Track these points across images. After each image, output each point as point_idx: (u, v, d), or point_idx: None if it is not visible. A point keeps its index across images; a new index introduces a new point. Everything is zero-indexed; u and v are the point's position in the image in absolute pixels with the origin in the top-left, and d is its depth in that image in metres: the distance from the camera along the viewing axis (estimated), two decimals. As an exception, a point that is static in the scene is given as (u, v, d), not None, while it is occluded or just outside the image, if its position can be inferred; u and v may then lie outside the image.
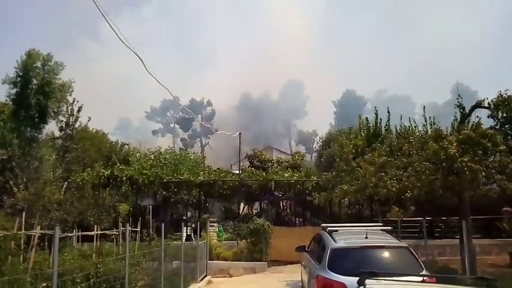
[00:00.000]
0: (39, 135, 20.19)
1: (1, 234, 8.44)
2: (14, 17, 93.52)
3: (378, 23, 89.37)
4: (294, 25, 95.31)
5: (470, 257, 10.59)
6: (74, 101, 22.01)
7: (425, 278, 5.72)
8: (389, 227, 9.09)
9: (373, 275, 3.99)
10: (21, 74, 19.12)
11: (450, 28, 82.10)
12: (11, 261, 8.00)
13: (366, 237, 7.46)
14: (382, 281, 3.99)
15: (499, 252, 16.31)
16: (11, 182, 17.24)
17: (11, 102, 19.93)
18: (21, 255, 8.77)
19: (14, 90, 19.34)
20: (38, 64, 19.43)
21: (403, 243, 7.90)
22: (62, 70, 19.87)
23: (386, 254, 7.20)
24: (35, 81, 19.33)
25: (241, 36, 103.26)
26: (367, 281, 3.71)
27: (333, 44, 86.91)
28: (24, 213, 11.03)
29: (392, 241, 7.81)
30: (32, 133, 19.64)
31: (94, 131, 28.09)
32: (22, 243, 9.20)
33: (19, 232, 9.19)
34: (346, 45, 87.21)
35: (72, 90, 20.79)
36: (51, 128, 22.45)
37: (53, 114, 20.43)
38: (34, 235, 9.20)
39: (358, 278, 3.79)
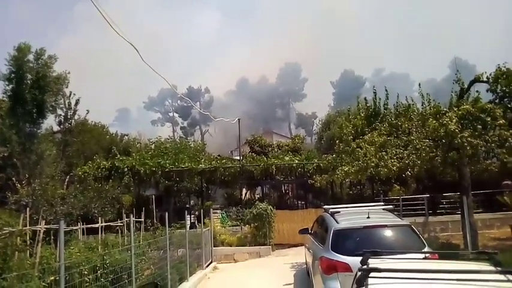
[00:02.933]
0: (39, 130, 20.18)
1: (7, 231, 8.50)
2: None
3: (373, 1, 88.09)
4: (289, 7, 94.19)
5: (471, 232, 10.70)
6: (70, 94, 21.99)
7: (427, 254, 5.78)
8: (391, 206, 9.14)
9: (376, 254, 4.02)
10: (14, 69, 18.98)
11: (447, 2, 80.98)
12: (18, 256, 8.07)
13: (368, 217, 7.51)
14: (385, 259, 4.02)
15: (500, 226, 16.46)
16: (13, 179, 17.30)
17: (7, 99, 19.86)
18: (28, 251, 8.85)
19: (9, 87, 19.24)
20: (31, 58, 19.27)
21: (405, 222, 7.97)
22: (55, 62, 19.71)
23: (388, 232, 7.26)
24: (29, 76, 19.21)
25: (235, 20, 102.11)
26: (370, 260, 3.74)
27: (328, 25, 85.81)
28: (28, 208, 11.11)
29: (394, 220, 7.86)
30: (31, 128, 19.63)
31: (93, 123, 28.09)
32: (28, 238, 9.27)
33: (24, 228, 9.26)
34: (342, 25, 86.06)
35: (68, 82, 20.70)
36: (50, 122, 22.46)
37: (50, 108, 20.39)
38: (39, 230, 9.28)
39: (361, 258, 3.82)
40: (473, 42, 68.13)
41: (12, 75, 19.09)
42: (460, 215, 12.33)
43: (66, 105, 22.25)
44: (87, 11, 58.90)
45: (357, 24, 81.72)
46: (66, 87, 20.97)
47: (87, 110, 24.01)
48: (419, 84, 15.90)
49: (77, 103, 22.41)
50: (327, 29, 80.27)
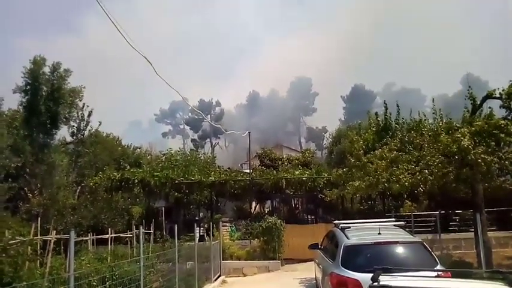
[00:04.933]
0: (51, 141, 20.49)
1: (18, 240, 8.58)
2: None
3: (383, 15, 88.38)
4: (299, 22, 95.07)
5: (485, 250, 10.45)
6: (83, 106, 22.35)
7: (440, 272, 5.67)
8: (403, 222, 9.01)
9: (387, 271, 3.96)
10: (30, 81, 19.43)
11: (459, 17, 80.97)
12: (28, 266, 8.13)
13: (379, 233, 7.42)
14: (397, 277, 3.96)
15: (515, 245, 16.08)
16: (25, 188, 17.53)
17: (22, 110, 20.27)
18: (38, 260, 8.91)
19: (25, 99, 19.67)
20: (46, 70, 19.72)
21: (417, 238, 7.84)
22: (71, 75, 20.17)
23: (400, 249, 7.14)
24: (44, 88, 19.63)
25: (246, 34, 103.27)
26: (381, 277, 3.69)
27: (339, 39, 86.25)
28: (39, 218, 11.21)
29: (405, 236, 7.75)
30: (44, 139, 19.95)
31: (105, 135, 28.41)
32: (38, 248, 9.34)
33: (35, 237, 9.34)
34: (353, 40, 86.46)
35: (82, 96, 21.10)
36: (63, 133, 22.79)
37: (64, 119, 20.74)
38: (50, 240, 9.34)
39: (372, 275, 3.77)
40: (485, 58, 67.75)
41: (28, 87, 19.54)
42: (473, 233, 12.09)
43: (79, 117, 22.59)
44: (99, 23, 60.18)
45: (367, 39, 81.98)
46: (81, 100, 21.37)
47: (100, 122, 24.34)
48: (433, 100, 15.80)
49: (89, 115, 22.75)
50: (338, 44, 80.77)
